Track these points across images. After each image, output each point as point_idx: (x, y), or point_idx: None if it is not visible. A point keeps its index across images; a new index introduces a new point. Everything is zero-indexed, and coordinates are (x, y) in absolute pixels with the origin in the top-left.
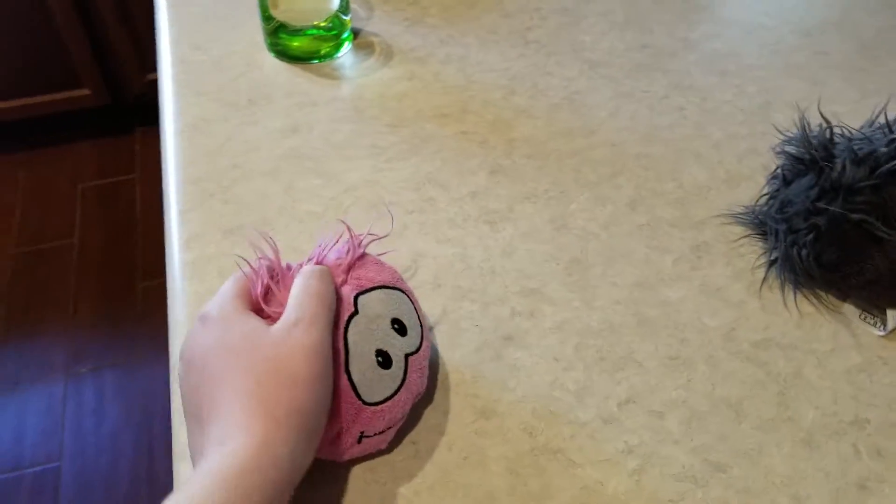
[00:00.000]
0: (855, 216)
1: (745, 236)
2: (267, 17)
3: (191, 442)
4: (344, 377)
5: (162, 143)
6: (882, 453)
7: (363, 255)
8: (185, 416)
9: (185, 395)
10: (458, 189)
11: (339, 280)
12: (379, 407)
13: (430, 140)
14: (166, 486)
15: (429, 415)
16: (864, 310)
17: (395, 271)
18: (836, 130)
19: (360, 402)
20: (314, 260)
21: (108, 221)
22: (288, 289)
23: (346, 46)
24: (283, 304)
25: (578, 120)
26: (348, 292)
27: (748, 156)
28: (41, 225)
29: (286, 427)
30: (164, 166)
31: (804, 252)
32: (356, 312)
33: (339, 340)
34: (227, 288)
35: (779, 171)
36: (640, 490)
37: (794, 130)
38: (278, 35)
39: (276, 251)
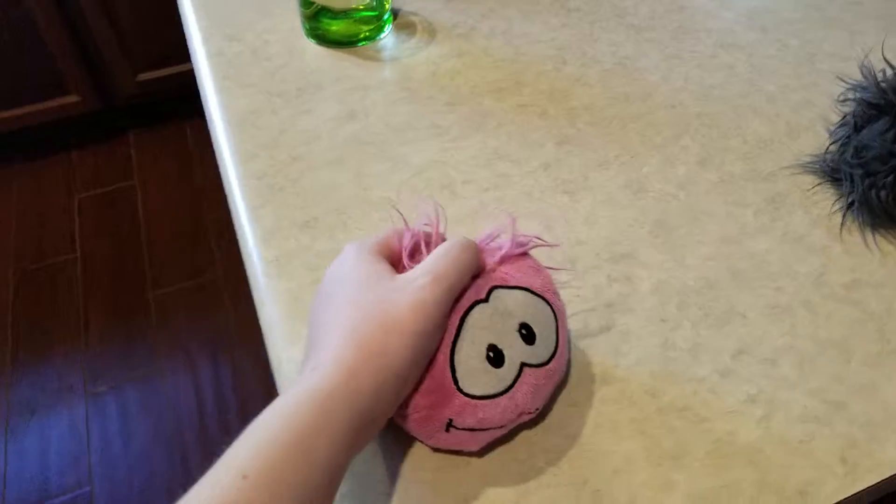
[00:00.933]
0: None
1: (818, 184)
2: (307, 2)
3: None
4: (446, 355)
5: (214, 140)
6: None
7: (524, 255)
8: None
9: (310, 317)
10: (529, 162)
11: (488, 269)
12: (474, 401)
13: (490, 115)
14: None
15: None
16: None
17: (552, 283)
18: None
19: (455, 387)
20: (477, 243)
21: (110, 231)
22: None
23: (388, 27)
24: None
25: (633, 84)
26: (488, 282)
27: (804, 107)
28: (40, 240)
29: (374, 365)
30: (221, 164)
31: (883, 193)
32: (485, 300)
33: (455, 318)
34: (379, 234)
35: (848, 117)
36: (771, 436)
37: (855, 79)
38: (319, 19)
39: (438, 217)
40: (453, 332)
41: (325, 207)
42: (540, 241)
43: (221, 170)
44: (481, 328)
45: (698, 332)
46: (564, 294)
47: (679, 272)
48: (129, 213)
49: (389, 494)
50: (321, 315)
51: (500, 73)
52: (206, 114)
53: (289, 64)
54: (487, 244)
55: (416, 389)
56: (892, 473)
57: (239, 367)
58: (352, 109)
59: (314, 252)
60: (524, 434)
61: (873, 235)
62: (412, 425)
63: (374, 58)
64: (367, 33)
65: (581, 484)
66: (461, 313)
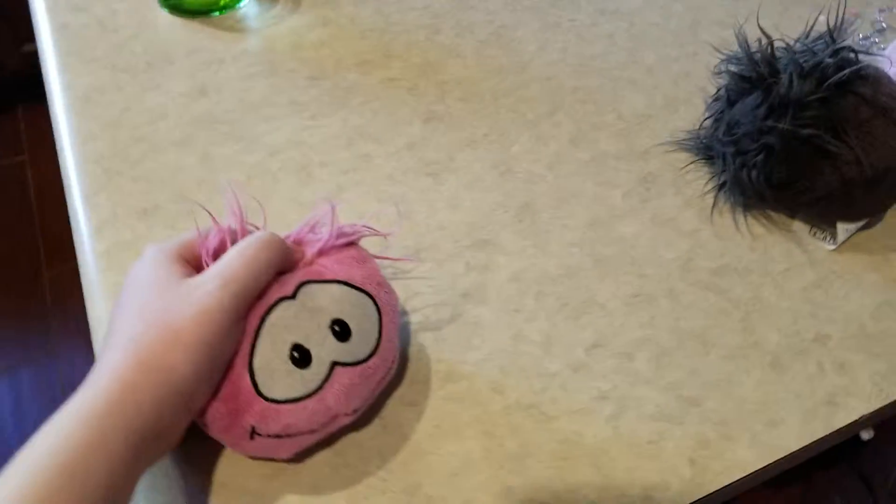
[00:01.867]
0: (805, 132)
1: (691, 162)
2: None
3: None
4: (244, 358)
5: (53, 121)
6: (845, 367)
7: (349, 246)
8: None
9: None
10: (393, 142)
11: (305, 262)
12: (275, 405)
13: (354, 90)
14: None
15: (392, 384)
16: (813, 226)
17: (377, 275)
18: (778, 44)
19: (255, 391)
20: (292, 236)
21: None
22: None
23: None
24: None
25: (508, 56)
26: (298, 277)
27: (683, 79)
28: None
29: (154, 380)
30: (58, 145)
31: (754, 173)
32: (291, 297)
33: (254, 317)
34: (179, 237)
35: (721, 91)
36: (619, 435)
37: (734, 48)
38: None
39: (241, 212)
40: (252, 332)
41: (167, 194)
42: (368, 230)
43: (59, 153)
44: (284, 327)
45: (554, 324)
46: (416, 284)
47: (540, 259)
48: (19, 190)
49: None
50: (110, 323)
51: (368, 44)
52: (48, 94)
53: (138, 36)
54: (305, 235)
55: (214, 395)
56: (741, 476)
57: None
58: (203, 85)
59: (150, 242)
60: (355, 436)
61: (745, 217)
62: (214, 433)
63: (233, 28)
64: (226, 2)
65: (414, 489)
66: (262, 312)
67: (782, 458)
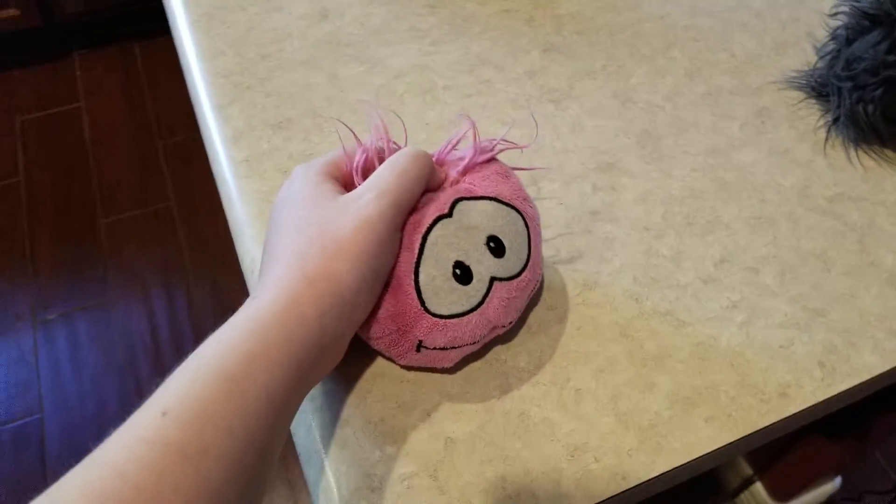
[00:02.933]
0: None
1: (804, 100)
2: None
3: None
4: (410, 276)
5: (176, 39)
6: None
7: (491, 162)
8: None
9: (264, 245)
10: (514, 69)
11: (451, 181)
12: (442, 321)
13: (472, 20)
14: None
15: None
16: None
17: (521, 189)
18: None
19: (422, 307)
20: (434, 156)
21: (55, 156)
22: None
23: None
24: None
25: None
26: (450, 195)
27: (791, 23)
28: None
29: (317, 290)
30: (184, 61)
31: (871, 107)
32: (448, 215)
33: (416, 236)
34: (326, 155)
35: (840, 30)
36: (751, 340)
37: None
38: None
39: (386, 129)
40: (415, 250)
41: (299, 109)
42: (506, 144)
43: (184, 69)
44: (445, 245)
45: (682, 241)
46: (547, 203)
47: (664, 182)
48: (75, 136)
49: (367, 395)
50: (268, 242)
51: None
52: (168, 11)
53: None
54: (446, 154)
55: (380, 311)
56: (868, 378)
57: (193, 295)
58: (324, 8)
59: (287, 154)
60: (502, 337)
61: (856, 151)
62: (380, 347)
63: None
64: None
65: (564, 383)
66: (423, 230)
67: None
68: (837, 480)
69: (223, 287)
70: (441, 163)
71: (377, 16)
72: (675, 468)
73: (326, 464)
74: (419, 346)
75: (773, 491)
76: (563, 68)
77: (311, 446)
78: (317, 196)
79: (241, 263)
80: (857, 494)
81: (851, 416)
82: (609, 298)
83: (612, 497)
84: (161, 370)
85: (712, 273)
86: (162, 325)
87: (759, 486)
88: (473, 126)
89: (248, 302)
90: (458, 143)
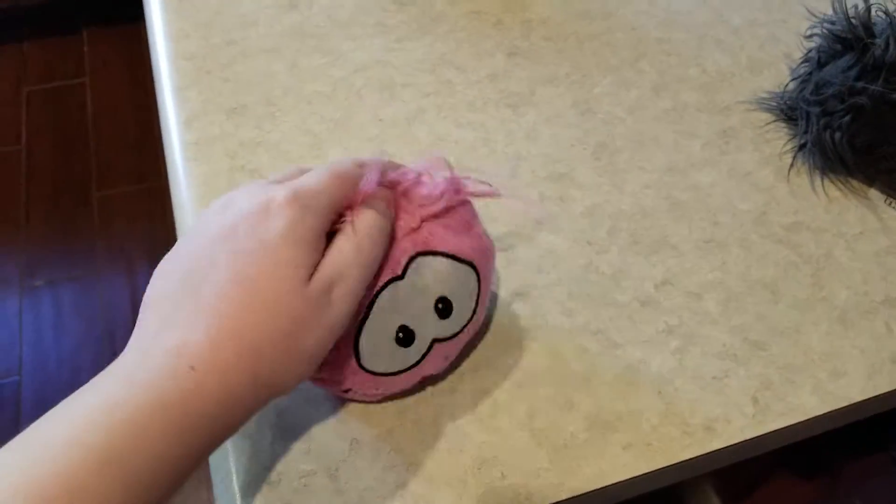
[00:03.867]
0: (895, 95)
1: (772, 122)
2: None
3: (154, 303)
4: (351, 335)
5: (147, 18)
6: None
7: (459, 204)
8: (154, 284)
9: (180, 255)
10: (476, 71)
11: (411, 225)
12: (377, 377)
13: (440, 19)
14: None
15: None
16: (888, 195)
17: (482, 238)
18: (874, 11)
19: (358, 364)
20: (402, 184)
21: (57, 127)
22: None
23: None
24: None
25: (595, 2)
26: (407, 248)
27: (769, 43)
28: None
29: (257, 396)
30: (151, 40)
31: (838, 135)
32: (401, 277)
33: (367, 296)
34: (326, 180)
35: (812, 53)
36: (683, 368)
37: (829, 13)
38: None
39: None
40: (362, 311)
41: (255, 96)
42: (482, 187)
43: (150, 48)
44: (392, 310)
45: (625, 259)
46: (492, 208)
47: (615, 196)
48: (77, 110)
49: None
50: (212, 265)
51: None
52: None
53: None
54: (411, 187)
55: None
56: (803, 419)
57: None
58: None
59: (237, 140)
60: None
61: (821, 180)
62: (309, 382)
63: None
64: None
65: (481, 393)
66: (373, 292)
67: (845, 408)
68: None
69: None
70: (395, 184)
71: (345, 9)
72: (584, 493)
73: (230, 451)
74: (348, 390)
75: None
76: (526, 73)
77: None
78: (299, 269)
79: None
80: None
81: (824, 455)
82: (540, 311)
83: None
84: None
85: (652, 295)
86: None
87: None
88: (450, 169)
89: (162, 353)
90: (422, 175)
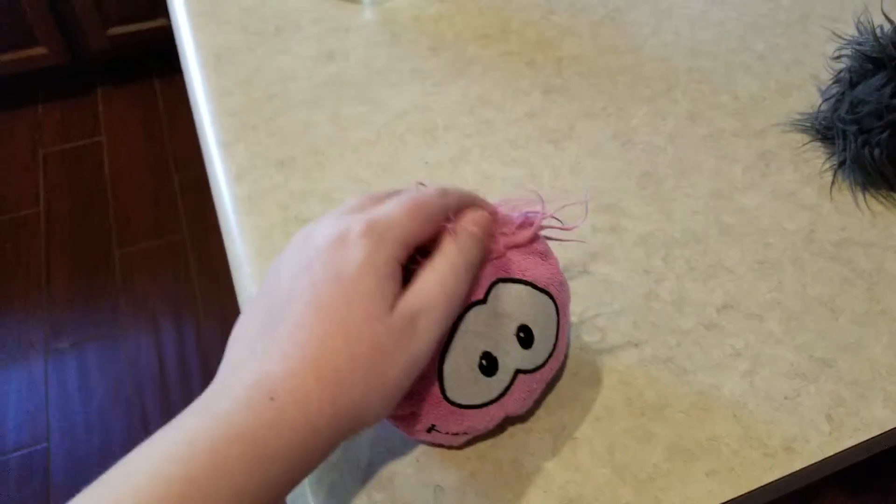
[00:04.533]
0: None
1: (808, 142)
2: None
3: (237, 340)
4: (435, 362)
5: (186, 77)
6: None
7: (535, 238)
8: (238, 323)
9: (263, 293)
10: (514, 110)
11: (494, 253)
12: (462, 410)
13: (474, 62)
14: None
15: None
16: None
17: (558, 270)
18: None
19: (442, 395)
20: (492, 210)
21: (74, 187)
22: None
23: None
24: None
25: (622, 37)
26: (489, 273)
27: (794, 66)
28: (2, 194)
29: (338, 426)
30: (193, 100)
31: (877, 151)
32: (483, 301)
33: (450, 328)
34: (400, 216)
35: (843, 73)
36: (755, 390)
37: (851, 33)
38: None
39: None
40: (445, 337)
41: (301, 148)
42: (555, 221)
43: (193, 106)
44: (476, 334)
45: (683, 285)
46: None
47: (665, 224)
48: (95, 169)
49: (356, 438)
50: (290, 298)
51: (485, 19)
52: (180, 50)
53: (267, 2)
54: (499, 212)
55: None
56: (878, 433)
57: (203, 329)
58: (331, 50)
59: (288, 191)
60: None
61: (863, 195)
62: (391, 422)
63: (355, 0)
64: None
65: (559, 430)
66: (456, 316)
67: None
68: None
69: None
70: (494, 222)
71: (380, 58)
72: None
73: (309, 497)
74: (431, 428)
75: None
76: (563, 109)
77: (296, 490)
78: (377, 298)
79: (237, 299)
80: None
81: (874, 468)
82: (607, 343)
83: None
84: (167, 403)
85: (715, 319)
86: (170, 357)
87: None
88: (541, 200)
89: (241, 386)
90: (514, 208)
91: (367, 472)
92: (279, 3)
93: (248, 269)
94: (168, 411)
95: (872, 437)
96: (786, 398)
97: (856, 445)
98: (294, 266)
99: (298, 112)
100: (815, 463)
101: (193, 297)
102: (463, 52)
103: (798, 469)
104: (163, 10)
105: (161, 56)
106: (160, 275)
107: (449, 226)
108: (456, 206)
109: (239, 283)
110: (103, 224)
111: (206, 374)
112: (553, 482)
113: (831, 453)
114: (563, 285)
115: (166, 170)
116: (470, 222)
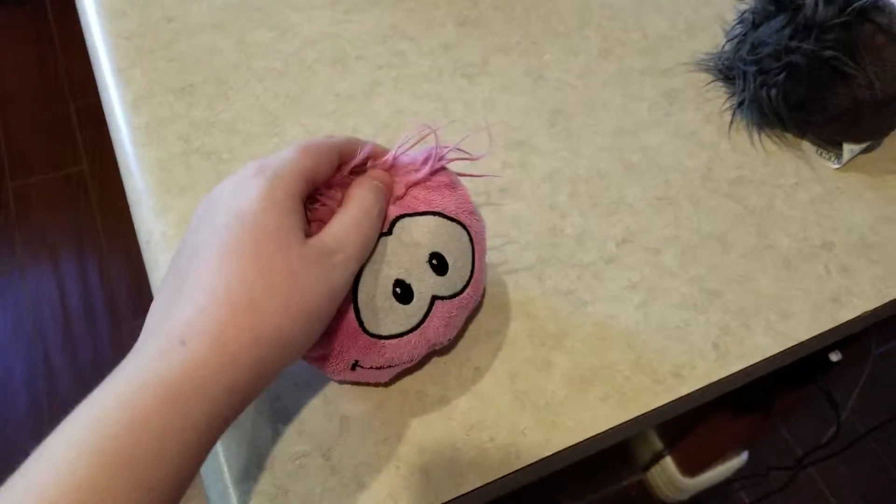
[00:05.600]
0: (826, 53)
1: (711, 82)
2: None
3: (153, 311)
4: (349, 295)
5: None
6: (848, 270)
7: (438, 171)
8: (165, 275)
9: (174, 259)
10: (428, 42)
11: (397, 193)
12: (381, 341)
13: None
14: (70, 397)
15: None
16: (820, 146)
17: (467, 199)
18: None
19: (360, 327)
20: (389, 160)
21: None
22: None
23: None
24: (338, 201)
25: None
26: (392, 212)
27: (703, 6)
28: None
29: (262, 356)
30: (83, 19)
31: (773, 91)
32: (388, 233)
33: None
34: (293, 157)
35: (747, 14)
36: (649, 321)
37: None
38: None
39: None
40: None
41: (203, 75)
42: (460, 154)
43: (84, 28)
44: (385, 262)
45: (587, 220)
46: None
47: (572, 161)
48: None
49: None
50: (191, 254)
51: None
52: None
53: None
54: (398, 158)
55: None
56: (760, 359)
57: (106, 264)
58: None
59: (189, 121)
60: None
61: (759, 135)
62: (314, 364)
63: None
64: None
65: (463, 361)
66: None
67: (795, 346)
68: (744, 455)
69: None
70: (392, 170)
71: None
72: (569, 447)
73: (218, 442)
74: (355, 364)
75: (682, 465)
76: (478, 43)
77: None
78: (284, 230)
79: (136, 234)
80: (763, 469)
81: (757, 392)
82: (512, 276)
83: (505, 476)
84: (70, 339)
85: (614, 253)
86: (73, 294)
87: (668, 461)
88: (435, 136)
89: (153, 342)
90: (408, 149)
91: (272, 405)
92: None
93: (148, 202)
94: (72, 347)
95: (754, 363)
96: (676, 327)
97: (739, 371)
98: (197, 223)
99: (200, 36)
100: (702, 388)
101: (95, 231)
102: None
103: (685, 394)
104: None
105: None
106: (59, 208)
107: (353, 177)
108: (347, 146)
109: (138, 216)
110: None
111: (112, 309)
112: (456, 409)
113: (716, 379)
114: (473, 214)
115: (61, 97)
116: (369, 175)
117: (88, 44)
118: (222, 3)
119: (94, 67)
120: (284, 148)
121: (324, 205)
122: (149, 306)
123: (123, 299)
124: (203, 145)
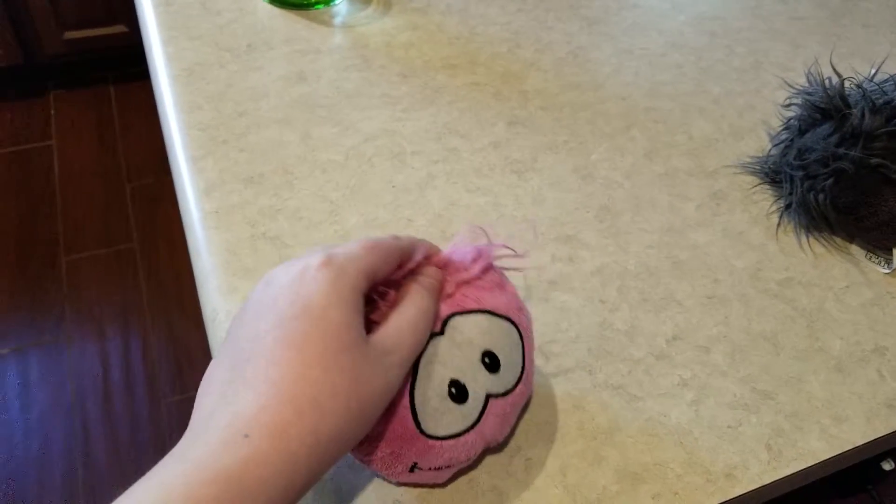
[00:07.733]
0: (874, 160)
1: (758, 185)
2: None
3: (210, 383)
4: (405, 398)
5: (156, 90)
6: None
7: (488, 269)
8: (206, 374)
9: (230, 340)
10: (480, 139)
11: (447, 291)
12: (439, 442)
13: (442, 90)
14: (105, 470)
15: None
16: (868, 250)
17: (516, 296)
18: (847, 84)
19: (418, 430)
20: (441, 260)
21: (23, 191)
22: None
23: None
24: (392, 299)
25: (585, 74)
26: (443, 311)
27: (747, 111)
28: None
29: (319, 453)
30: (162, 111)
31: (821, 196)
32: (440, 333)
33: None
34: (359, 251)
35: (793, 121)
36: (700, 419)
37: (802, 83)
38: None
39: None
40: (409, 372)
41: (270, 165)
42: (509, 250)
43: (162, 119)
44: (440, 363)
45: (636, 316)
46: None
47: (620, 257)
48: (44, 173)
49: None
50: (247, 342)
51: (454, 50)
52: (150, 65)
53: (239, 20)
54: (449, 259)
55: (374, 433)
56: (814, 463)
57: (149, 339)
58: (302, 71)
59: (256, 208)
60: None
61: (807, 237)
62: (373, 468)
63: (327, 23)
64: None
65: (514, 451)
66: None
67: (850, 451)
68: None
69: (179, 332)
70: (445, 265)
71: (351, 81)
72: None
73: None
74: (413, 466)
75: None
76: (527, 141)
77: None
78: (348, 328)
79: (202, 312)
80: None
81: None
82: (563, 369)
83: None
84: (110, 412)
85: (664, 349)
86: (115, 366)
87: None
88: (486, 235)
89: (216, 431)
90: (460, 249)
91: (325, 488)
92: (251, 21)
93: (214, 282)
94: (110, 420)
95: (808, 467)
96: (728, 427)
97: (793, 474)
98: (258, 307)
99: (269, 130)
100: (754, 489)
101: (141, 306)
102: (431, 81)
103: (738, 494)
104: (121, 17)
105: (117, 63)
106: (108, 283)
107: (411, 276)
108: (408, 247)
109: (204, 296)
110: (51, 230)
111: (151, 383)
112: (506, 500)
113: (770, 481)
114: (521, 310)
115: (118, 178)
116: (425, 274)
117: (165, 133)
118: (290, 100)
119: (170, 155)
120: (351, 241)
121: (382, 302)
122: (188, 383)
123: (163, 376)
124: (268, 230)
